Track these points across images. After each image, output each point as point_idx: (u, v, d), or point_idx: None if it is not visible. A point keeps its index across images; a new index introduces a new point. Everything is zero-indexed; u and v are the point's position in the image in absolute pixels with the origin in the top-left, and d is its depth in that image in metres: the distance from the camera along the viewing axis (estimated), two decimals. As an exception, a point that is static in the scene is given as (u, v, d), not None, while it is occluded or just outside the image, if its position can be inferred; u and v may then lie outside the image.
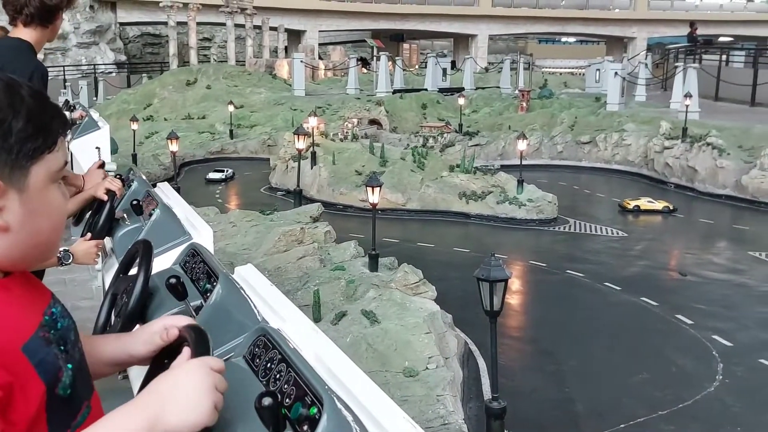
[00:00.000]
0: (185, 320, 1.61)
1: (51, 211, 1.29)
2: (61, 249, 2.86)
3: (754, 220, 22.71)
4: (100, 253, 3.14)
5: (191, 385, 1.25)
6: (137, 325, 2.17)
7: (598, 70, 38.94)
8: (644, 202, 23.98)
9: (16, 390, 1.15)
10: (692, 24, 41.40)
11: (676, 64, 35.34)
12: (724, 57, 35.56)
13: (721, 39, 54.95)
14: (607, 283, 17.05)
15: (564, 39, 70.84)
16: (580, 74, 49.65)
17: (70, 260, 2.96)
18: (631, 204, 23.97)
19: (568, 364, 13.24)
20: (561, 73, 53.87)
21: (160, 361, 1.66)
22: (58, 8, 3.10)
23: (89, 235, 3.10)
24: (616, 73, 32.33)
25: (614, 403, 11.87)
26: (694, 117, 28.14)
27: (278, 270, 14.88)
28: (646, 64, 37.28)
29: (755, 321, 15.17)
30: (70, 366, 1.28)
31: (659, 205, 23.79)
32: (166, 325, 1.59)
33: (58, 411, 1.24)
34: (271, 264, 15.01)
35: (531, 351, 14.18)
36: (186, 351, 1.41)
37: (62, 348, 1.28)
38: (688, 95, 27.87)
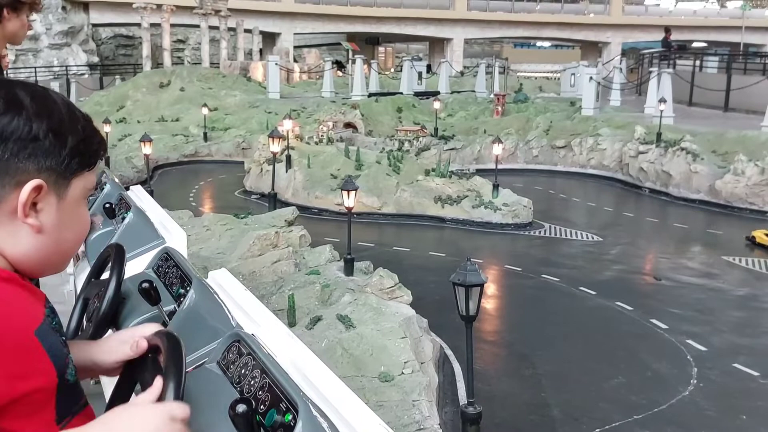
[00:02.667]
0: (156, 328, 1.58)
1: (78, 225, 1.41)
2: None
3: (728, 225, 22.93)
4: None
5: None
6: (109, 330, 2.14)
7: (573, 74, 39.19)
8: (761, 235, 20.31)
9: (24, 376, 1.21)
10: (667, 29, 41.81)
11: (651, 69, 35.66)
12: (697, 62, 35.94)
13: (694, 44, 55.51)
14: (582, 288, 17.13)
15: (539, 43, 71.27)
16: (555, 78, 50.02)
17: None
18: (752, 234, 20.46)
19: (543, 368, 13.27)
20: (536, 78, 54.23)
21: (128, 375, 1.62)
22: (1, 6, 3.02)
23: None
24: (591, 77, 32.56)
25: (590, 407, 11.91)
26: (669, 122, 28.42)
27: (253, 274, 14.80)
28: (621, 69, 37.60)
29: (729, 325, 15.30)
30: (71, 355, 1.35)
31: None
32: (136, 335, 1.57)
33: (65, 396, 1.29)
34: (246, 268, 14.93)
35: (507, 355, 14.21)
36: (157, 384, 1.34)
37: (63, 339, 1.36)
38: (662, 100, 28.13)
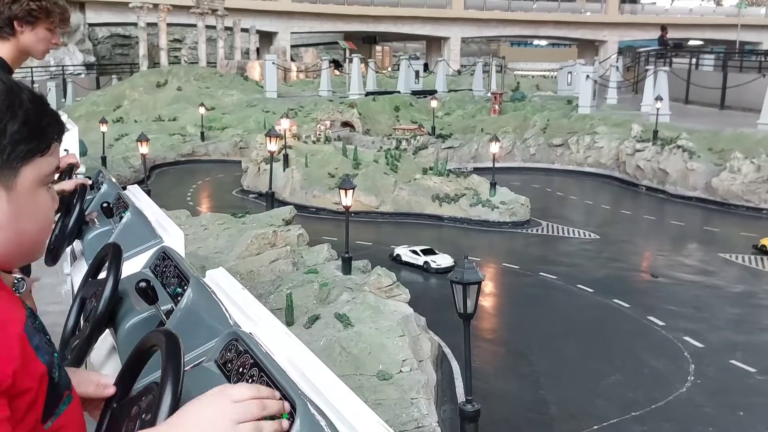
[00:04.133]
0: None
1: (38, 214, 1.31)
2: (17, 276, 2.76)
3: (724, 222, 22.96)
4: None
5: (206, 420, 1.23)
6: (106, 330, 2.14)
7: (570, 73, 39.20)
8: None
9: (20, 376, 1.17)
10: (663, 28, 41.83)
11: (647, 67, 35.67)
12: (693, 60, 35.93)
13: (690, 42, 55.53)
14: (579, 285, 17.15)
15: (536, 42, 71.27)
16: (552, 77, 49.99)
17: (22, 290, 2.82)
18: (761, 243, 19.70)
19: (541, 366, 13.30)
20: (533, 76, 54.22)
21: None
22: (10, 19, 3.02)
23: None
24: (587, 76, 32.58)
25: (587, 404, 11.93)
26: (665, 120, 28.44)
27: (251, 273, 14.81)
28: (618, 68, 37.59)
29: (726, 322, 15.34)
30: (56, 355, 1.30)
31: None
32: (102, 380, 1.55)
33: (50, 395, 1.25)
34: (244, 267, 14.93)
35: (505, 353, 14.23)
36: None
37: (47, 337, 1.30)
38: (658, 98, 28.15)
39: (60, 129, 1.34)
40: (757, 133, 26.18)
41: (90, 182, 3.35)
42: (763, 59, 35.34)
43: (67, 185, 3.20)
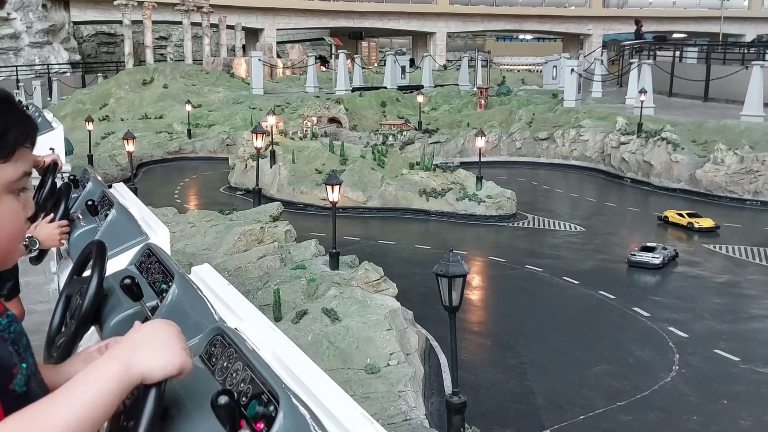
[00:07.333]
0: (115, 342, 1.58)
1: (4, 222, 1.24)
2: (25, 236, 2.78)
3: (708, 213, 23.02)
4: (64, 235, 3.04)
5: (158, 331, 1.27)
6: (92, 327, 2.16)
7: (555, 66, 39.31)
8: (673, 214, 21.66)
9: None
10: (637, 21, 42.08)
11: (631, 60, 35.81)
12: (677, 53, 36.09)
13: (674, 35, 55.68)
14: (565, 277, 17.24)
15: (521, 36, 71.29)
16: (537, 71, 50.05)
17: (36, 246, 2.85)
18: (664, 214, 21.94)
19: (528, 357, 13.37)
20: (519, 70, 54.20)
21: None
22: None
23: (50, 216, 3.00)
24: (572, 69, 32.68)
25: (574, 394, 12.01)
26: (649, 112, 28.58)
27: (239, 270, 14.81)
28: (602, 61, 37.73)
29: (710, 312, 15.46)
30: (24, 366, 1.25)
31: (684, 220, 21.22)
32: (101, 347, 1.56)
33: (14, 408, 1.20)
34: (232, 264, 14.94)
35: (491, 345, 14.29)
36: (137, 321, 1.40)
37: (15, 348, 1.26)
38: (642, 91, 28.28)
39: (27, 133, 1.26)
40: (740, 124, 26.36)
41: (59, 158, 3.36)
42: (745, 51, 35.58)
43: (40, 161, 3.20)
